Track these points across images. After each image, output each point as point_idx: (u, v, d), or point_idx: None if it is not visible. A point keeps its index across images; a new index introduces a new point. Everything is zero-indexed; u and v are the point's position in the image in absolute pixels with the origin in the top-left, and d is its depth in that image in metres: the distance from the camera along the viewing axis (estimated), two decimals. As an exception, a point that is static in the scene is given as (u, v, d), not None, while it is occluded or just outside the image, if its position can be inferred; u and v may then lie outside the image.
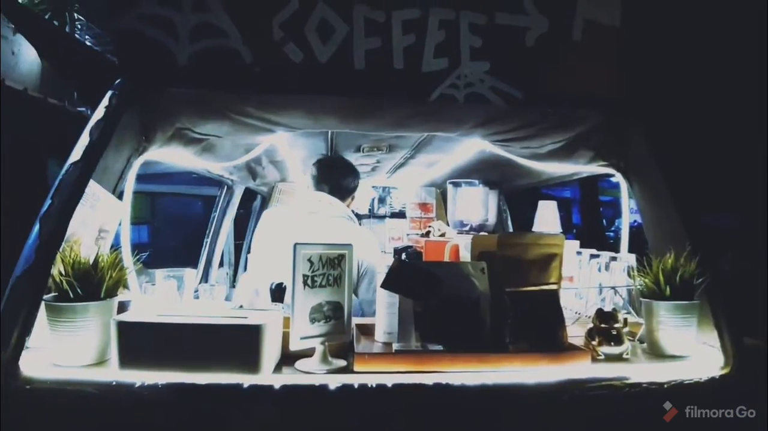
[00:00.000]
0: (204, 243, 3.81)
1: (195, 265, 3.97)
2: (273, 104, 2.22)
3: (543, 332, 1.89)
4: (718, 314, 1.95)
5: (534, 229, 3.41)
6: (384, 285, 1.85)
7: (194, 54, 2.04)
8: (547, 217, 3.38)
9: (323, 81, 2.10)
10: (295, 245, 1.67)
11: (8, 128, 6.47)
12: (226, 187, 3.84)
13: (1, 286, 1.65)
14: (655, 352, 1.98)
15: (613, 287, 2.42)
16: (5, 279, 1.67)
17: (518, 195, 4.73)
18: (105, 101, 1.99)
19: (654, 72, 2.56)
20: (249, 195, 4.78)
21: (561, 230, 3.40)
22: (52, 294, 1.69)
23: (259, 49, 2.06)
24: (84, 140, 1.90)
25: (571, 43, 2.26)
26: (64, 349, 1.67)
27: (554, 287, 2.07)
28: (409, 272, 1.87)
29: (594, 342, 1.94)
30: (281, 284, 2.16)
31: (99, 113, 1.96)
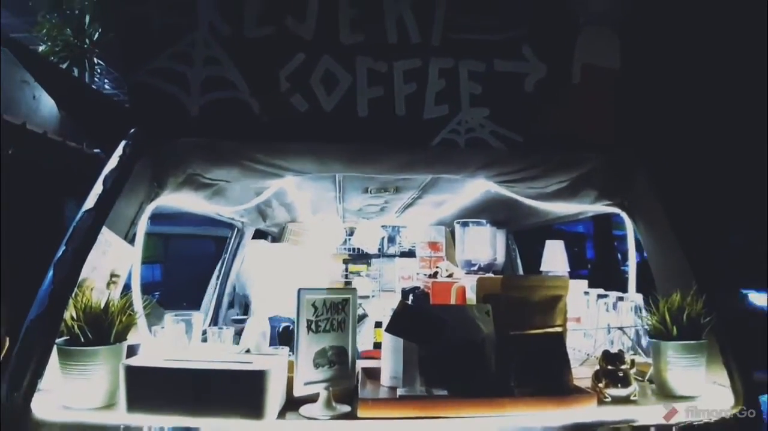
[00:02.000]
0: (214, 285, 3.84)
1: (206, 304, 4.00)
2: (281, 151, 2.29)
3: (548, 375, 1.89)
4: (727, 353, 1.93)
5: (542, 268, 3.40)
6: (388, 329, 1.86)
7: (205, 105, 2.12)
8: (554, 256, 3.38)
9: (328, 129, 2.17)
10: (299, 290, 1.70)
11: (28, 170, 6.64)
12: (236, 229, 3.90)
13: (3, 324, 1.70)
14: (665, 393, 1.96)
15: (620, 328, 2.41)
16: (19, 323, 1.71)
17: (529, 232, 4.73)
18: (119, 150, 2.06)
19: (654, 111, 2.60)
20: (258, 234, 4.82)
21: (569, 270, 3.39)
22: (64, 338, 1.73)
23: (266, 100, 2.14)
24: (97, 188, 1.97)
25: (570, 87, 2.32)
26: (74, 392, 1.70)
27: (559, 329, 2.07)
28: (414, 316, 1.89)
29: (601, 384, 1.92)
30: (288, 326, 2.19)
31: (113, 162, 2.03)
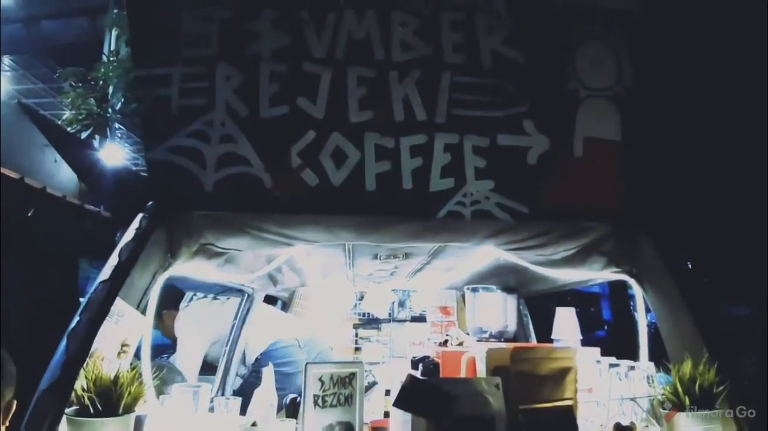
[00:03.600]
0: (222, 352, 3.83)
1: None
2: (291, 222, 2.36)
3: (559, 451, 1.85)
4: (741, 424, 1.89)
5: (553, 336, 3.38)
6: (396, 404, 1.85)
7: (219, 180, 2.22)
8: (565, 324, 3.36)
9: (337, 202, 2.25)
10: (307, 364, 1.71)
11: (47, 232, 6.83)
12: (246, 295, 3.92)
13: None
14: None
15: (632, 398, 2.36)
16: (27, 384, 1.73)
17: (543, 295, 4.66)
18: (135, 223, 2.14)
19: (658, 179, 2.64)
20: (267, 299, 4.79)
21: (581, 338, 3.36)
22: (74, 408, 1.74)
23: (278, 175, 2.23)
24: (113, 260, 2.03)
25: (572, 159, 2.38)
26: (82, 463, 1.69)
27: (570, 402, 2.04)
28: (422, 390, 1.87)
29: (614, 461, 1.88)
30: (295, 398, 2.18)
31: (129, 234, 2.11)
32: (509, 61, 2.34)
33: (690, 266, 2.37)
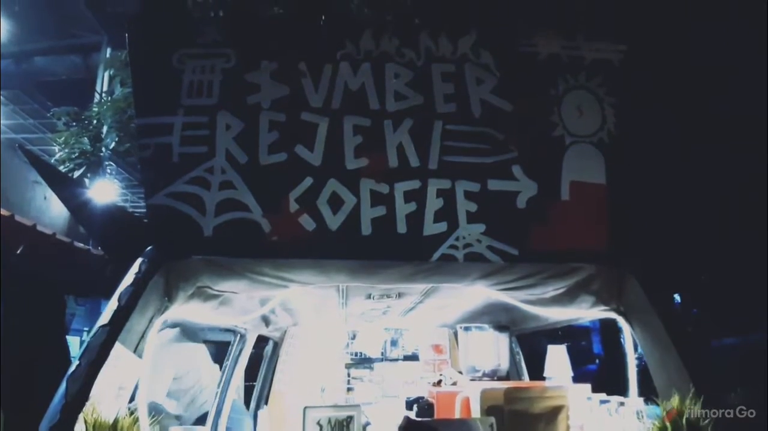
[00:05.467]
0: (215, 393, 3.79)
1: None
2: (288, 265, 2.42)
3: (554, 492, 1.88)
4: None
5: (545, 374, 3.41)
6: (393, 446, 1.88)
7: (219, 226, 2.27)
8: (557, 361, 3.40)
9: (334, 246, 2.31)
10: (305, 408, 1.73)
11: (36, 271, 6.75)
12: (239, 335, 3.90)
13: None
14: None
15: (624, 437, 2.40)
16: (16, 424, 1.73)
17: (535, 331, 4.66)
18: (134, 268, 2.17)
19: (642, 220, 2.73)
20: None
21: (572, 374, 3.40)
22: (72, 453, 1.75)
23: (276, 220, 2.30)
24: (113, 305, 2.05)
25: (560, 203, 2.47)
26: None
27: (563, 442, 2.07)
28: (417, 431, 1.91)
29: (607, 501, 1.91)
30: (292, 441, 2.18)
31: (128, 279, 2.14)
32: (498, 110, 2.45)
33: (676, 302, 2.44)
